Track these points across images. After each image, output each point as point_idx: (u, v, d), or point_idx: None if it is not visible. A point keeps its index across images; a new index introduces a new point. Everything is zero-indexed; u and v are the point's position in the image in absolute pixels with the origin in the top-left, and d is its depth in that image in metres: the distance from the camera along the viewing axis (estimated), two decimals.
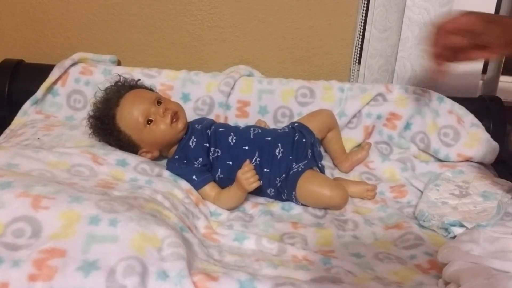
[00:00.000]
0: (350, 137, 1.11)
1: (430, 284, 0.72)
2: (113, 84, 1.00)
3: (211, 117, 1.11)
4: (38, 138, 0.97)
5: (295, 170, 0.94)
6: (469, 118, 1.10)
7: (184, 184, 0.92)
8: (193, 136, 0.98)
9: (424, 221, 0.89)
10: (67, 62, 1.11)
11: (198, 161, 0.95)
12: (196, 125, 1.00)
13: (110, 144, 0.96)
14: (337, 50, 1.23)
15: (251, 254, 0.79)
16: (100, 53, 1.17)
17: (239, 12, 1.19)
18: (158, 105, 0.95)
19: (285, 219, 0.90)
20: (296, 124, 1.04)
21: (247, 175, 0.89)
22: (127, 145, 0.95)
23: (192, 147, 0.96)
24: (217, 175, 0.96)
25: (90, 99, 1.07)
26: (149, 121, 0.94)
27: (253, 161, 0.95)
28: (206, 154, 0.96)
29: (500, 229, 0.81)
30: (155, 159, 0.99)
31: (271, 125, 1.12)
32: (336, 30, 1.20)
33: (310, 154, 0.98)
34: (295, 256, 0.79)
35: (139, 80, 1.04)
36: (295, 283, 0.66)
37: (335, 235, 0.86)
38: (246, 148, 0.97)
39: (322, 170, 1.00)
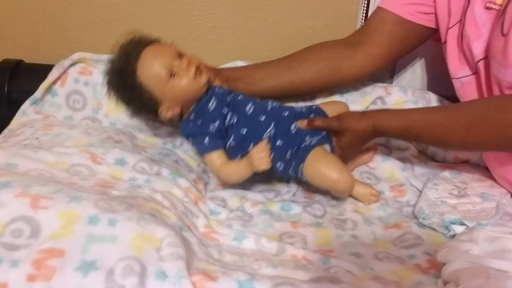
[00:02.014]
0: None
1: (429, 283, 0.72)
2: (128, 40, 0.96)
3: None
4: (37, 138, 0.97)
5: (307, 143, 0.93)
6: None
7: (183, 182, 0.92)
8: (213, 98, 0.95)
9: (424, 219, 0.89)
10: (66, 62, 1.11)
11: (214, 124, 0.93)
12: (217, 89, 0.97)
13: (130, 103, 0.94)
14: None
15: (250, 253, 0.79)
16: (100, 53, 1.17)
17: (239, 12, 1.19)
18: (180, 59, 0.93)
19: (284, 219, 0.90)
20: (314, 106, 1.02)
21: (261, 155, 0.88)
22: (148, 101, 0.93)
23: (211, 110, 0.94)
24: (228, 143, 0.95)
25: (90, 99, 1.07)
26: (172, 75, 0.91)
27: (267, 132, 0.93)
28: (223, 118, 0.94)
29: (499, 228, 0.81)
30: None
31: None
32: (336, 30, 1.20)
33: (324, 132, 0.96)
34: (295, 255, 0.79)
35: (156, 38, 1.00)
36: (294, 283, 0.66)
37: (335, 235, 0.86)
38: (262, 118, 0.95)
39: (333, 151, 0.98)
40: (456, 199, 0.92)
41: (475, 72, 0.91)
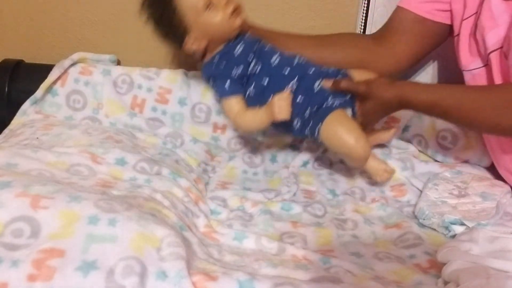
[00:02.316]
0: None
1: (430, 283, 0.72)
2: None
3: (210, 123, 1.12)
4: (37, 138, 0.97)
5: (329, 104, 0.91)
6: None
7: (184, 182, 0.92)
8: (241, 43, 0.94)
9: (424, 219, 0.89)
10: (67, 62, 1.11)
11: (237, 70, 0.92)
12: (246, 35, 0.96)
13: (159, 23, 0.92)
14: None
15: (251, 253, 0.79)
16: (100, 53, 1.17)
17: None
18: None
19: (284, 219, 0.90)
20: (342, 70, 1.00)
21: (282, 103, 0.86)
22: (177, 26, 0.91)
23: (236, 55, 0.93)
24: (248, 92, 0.93)
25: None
26: (208, 7, 0.89)
27: (289, 85, 0.92)
28: (247, 65, 0.93)
29: (499, 228, 0.81)
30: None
31: (271, 131, 1.12)
32: (336, 30, 1.20)
33: (348, 96, 0.93)
34: (295, 255, 0.78)
35: None
36: (295, 283, 0.66)
37: (335, 235, 0.86)
38: (286, 71, 0.93)
39: (354, 118, 0.95)
40: (457, 199, 0.92)
41: (486, 64, 0.90)
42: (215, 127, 1.13)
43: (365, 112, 0.92)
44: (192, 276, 0.64)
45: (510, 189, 0.95)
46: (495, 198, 0.91)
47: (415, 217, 0.92)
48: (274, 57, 0.95)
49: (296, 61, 0.96)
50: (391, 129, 1.04)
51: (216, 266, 0.71)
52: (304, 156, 1.09)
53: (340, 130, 0.88)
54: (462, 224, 0.85)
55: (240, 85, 0.93)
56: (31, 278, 0.60)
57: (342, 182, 1.04)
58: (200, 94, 1.12)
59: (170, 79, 1.13)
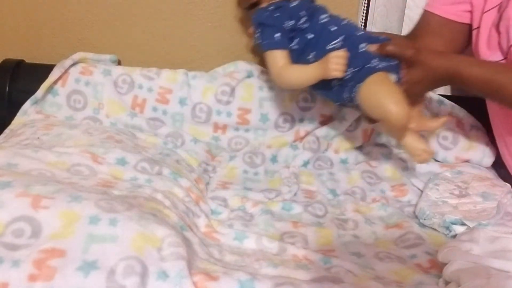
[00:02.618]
0: (349, 139, 1.11)
1: (430, 283, 0.72)
2: None
3: (211, 123, 1.12)
4: (38, 138, 0.97)
5: (372, 65, 0.86)
6: (469, 120, 1.10)
7: (184, 182, 0.92)
8: None
9: (425, 219, 0.89)
10: (67, 62, 1.11)
11: (289, 22, 0.91)
12: None
13: None
14: None
15: (251, 253, 0.79)
16: (101, 53, 1.17)
17: (240, 12, 1.19)
18: None
19: (285, 218, 0.90)
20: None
21: (339, 60, 0.83)
22: None
23: (291, 7, 0.93)
24: (292, 45, 0.92)
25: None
26: None
27: (333, 43, 0.89)
28: (298, 19, 0.91)
29: (500, 228, 0.81)
30: None
31: (273, 131, 1.12)
32: None
33: (395, 62, 0.88)
34: (296, 255, 0.78)
35: None
36: (295, 283, 0.66)
37: (336, 235, 0.86)
38: (333, 29, 0.91)
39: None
40: (457, 199, 0.92)
41: (505, 57, 0.89)
42: (216, 127, 1.13)
43: (410, 80, 0.87)
44: (193, 276, 0.64)
45: (511, 189, 0.95)
46: (496, 198, 0.91)
47: (416, 217, 0.92)
48: (324, 15, 0.93)
49: (344, 22, 0.93)
50: (442, 118, 0.95)
51: (216, 266, 0.71)
52: (304, 156, 1.09)
53: (380, 92, 0.84)
54: (463, 224, 0.85)
55: (288, 39, 0.92)
56: (32, 278, 0.60)
57: (343, 182, 1.04)
58: (201, 94, 1.12)
59: (171, 79, 1.13)
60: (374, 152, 1.09)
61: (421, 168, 1.06)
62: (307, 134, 1.12)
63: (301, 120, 1.12)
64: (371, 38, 0.91)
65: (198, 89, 1.12)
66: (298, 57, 0.92)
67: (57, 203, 0.68)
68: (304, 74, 0.89)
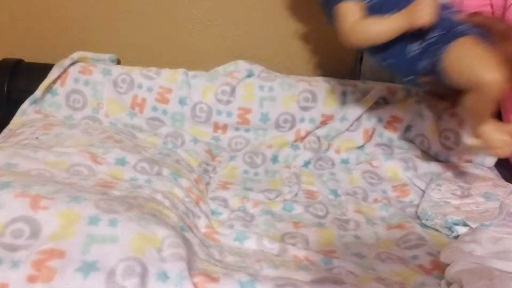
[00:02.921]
0: (350, 139, 1.11)
1: (433, 284, 0.71)
2: None
3: (211, 123, 1.12)
4: (37, 137, 0.97)
5: (461, 29, 0.78)
6: None
7: (184, 182, 0.91)
8: None
9: (427, 220, 0.89)
10: (67, 62, 1.10)
11: None
12: None
13: None
14: (339, 49, 1.22)
15: (252, 254, 0.78)
16: (100, 52, 1.17)
17: (239, 11, 1.19)
18: None
19: (286, 219, 0.90)
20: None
21: (426, 7, 0.75)
22: None
23: None
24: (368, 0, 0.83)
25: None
26: None
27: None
28: None
29: (502, 229, 0.80)
30: None
31: (273, 131, 1.12)
32: (336, 29, 1.20)
33: (485, 32, 0.80)
34: (296, 256, 0.78)
35: None
36: (296, 283, 0.66)
37: (337, 235, 0.86)
38: None
39: None
40: (460, 200, 0.91)
41: None
42: (216, 127, 1.12)
43: (506, 55, 0.77)
44: (193, 277, 0.64)
45: None
46: (498, 199, 0.90)
47: (418, 217, 0.91)
48: None
49: None
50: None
51: (217, 267, 0.70)
52: (305, 156, 1.09)
53: (473, 54, 0.75)
54: (465, 224, 0.84)
55: None
56: (31, 279, 0.59)
57: (344, 182, 1.03)
58: (201, 93, 1.12)
59: (171, 79, 1.12)
60: (376, 152, 1.09)
61: (423, 168, 1.05)
62: (308, 134, 1.12)
63: (302, 120, 1.12)
64: (458, 11, 0.83)
65: (198, 88, 1.12)
66: (379, 9, 0.83)
67: (57, 203, 0.68)
68: (385, 25, 0.80)
